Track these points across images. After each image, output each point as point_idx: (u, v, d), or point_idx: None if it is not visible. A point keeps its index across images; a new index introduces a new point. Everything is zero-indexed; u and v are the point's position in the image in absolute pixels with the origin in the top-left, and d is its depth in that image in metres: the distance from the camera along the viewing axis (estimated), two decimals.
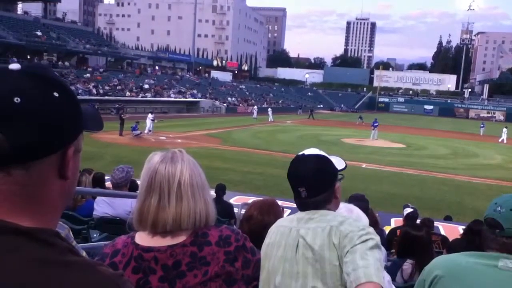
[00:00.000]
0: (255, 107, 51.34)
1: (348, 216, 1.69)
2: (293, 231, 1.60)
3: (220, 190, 7.78)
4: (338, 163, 1.73)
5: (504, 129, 36.01)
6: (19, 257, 0.69)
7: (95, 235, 4.43)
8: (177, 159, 1.43)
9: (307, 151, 1.73)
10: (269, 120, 43.69)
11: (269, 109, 47.76)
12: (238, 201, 9.58)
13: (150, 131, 25.94)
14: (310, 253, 1.51)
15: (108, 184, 7.67)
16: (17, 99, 0.69)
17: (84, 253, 1.41)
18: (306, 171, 1.63)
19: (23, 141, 0.70)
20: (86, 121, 0.83)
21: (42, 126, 0.71)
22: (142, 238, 1.41)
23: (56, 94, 0.74)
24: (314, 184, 1.62)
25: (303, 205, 1.65)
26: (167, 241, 1.37)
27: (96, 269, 0.76)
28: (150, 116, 26.50)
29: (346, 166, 1.77)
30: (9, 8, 52.76)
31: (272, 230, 1.72)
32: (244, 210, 2.74)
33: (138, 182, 1.59)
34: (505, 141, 34.82)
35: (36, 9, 58.83)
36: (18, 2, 55.99)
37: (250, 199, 7.67)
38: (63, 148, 0.76)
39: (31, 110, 0.70)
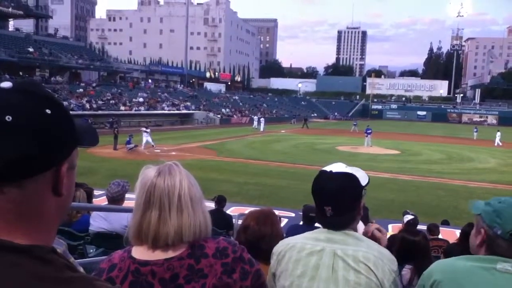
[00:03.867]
0: (255, 117, 51.66)
1: (378, 247, 1.67)
2: (327, 250, 1.58)
3: (221, 201, 7.76)
4: (362, 178, 1.69)
5: (498, 133, 36.31)
6: (15, 275, 0.68)
7: (91, 251, 4.39)
8: (175, 172, 1.42)
9: (334, 167, 1.68)
10: (261, 130, 43.77)
11: (262, 119, 47.91)
12: (234, 211, 9.54)
13: (153, 145, 25.69)
14: (353, 276, 1.52)
15: (97, 200, 7.62)
16: (8, 118, 0.69)
17: (81, 269, 1.40)
18: (332, 190, 1.60)
19: (16, 159, 0.69)
20: (81, 136, 0.82)
21: (34, 144, 0.71)
22: (139, 252, 1.40)
23: (48, 111, 0.74)
24: (340, 204, 1.60)
25: (327, 224, 1.64)
26: (164, 254, 1.36)
27: (94, 285, 0.75)
28: (143, 130, 26.28)
29: (369, 181, 1.72)
30: (1, 25, 52.78)
31: (288, 248, 1.66)
32: (241, 221, 2.73)
33: (132, 196, 1.57)
34: (500, 144, 35.08)
35: (27, 26, 58.90)
36: (9, 19, 56.02)
37: (247, 210, 7.65)
38: (56, 165, 0.75)
39: (23, 128, 0.70)
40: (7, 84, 0.74)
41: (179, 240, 1.36)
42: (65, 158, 0.77)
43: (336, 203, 1.59)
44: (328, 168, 1.68)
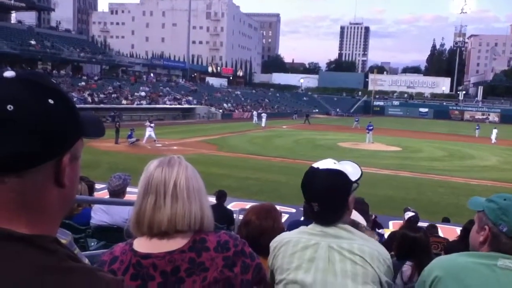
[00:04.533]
0: (255, 112, 51.68)
1: (370, 239, 1.72)
2: (321, 244, 1.62)
3: (221, 196, 7.76)
4: (354, 172, 1.71)
5: (494, 130, 36.59)
6: (19, 264, 0.68)
7: (92, 244, 4.41)
8: (174, 163, 1.45)
9: (322, 164, 1.71)
10: (262, 125, 43.78)
11: (263, 114, 47.90)
12: (235, 207, 9.55)
13: (155, 140, 25.67)
14: (350, 266, 1.57)
15: (99, 193, 7.62)
16: (10, 107, 0.69)
17: (86, 261, 1.41)
18: (318, 187, 1.65)
19: (17, 149, 0.69)
20: (86, 127, 0.82)
21: (36, 134, 0.70)
22: (140, 245, 1.41)
23: (51, 101, 0.73)
24: (326, 200, 1.64)
25: (316, 218, 1.69)
26: (165, 247, 1.37)
27: (97, 275, 0.75)
28: (148, 124, 26.26)
29: (362, 174, 1.74)
30: (3, 18, 52.74)
31: (283, 243, 1.71)
32: (242, 216, 2.73)
33: (133, 189, 1.60)
34: (494, 141, 35.28)
35: (30, 18, 58.98)
36: (11, 12, 55.98)
37: (248, 205, 7.65)
38: (58, 156, 0.74)
39: (24, 117, 0.69)
40: (10, 74, 0.73)
41: (172, 228, 1.37)
42: (68, 149, 0.76)
43: (322, 200, 1.64)
44: (316, 165, 1.71)
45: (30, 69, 43.82)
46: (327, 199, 1.64)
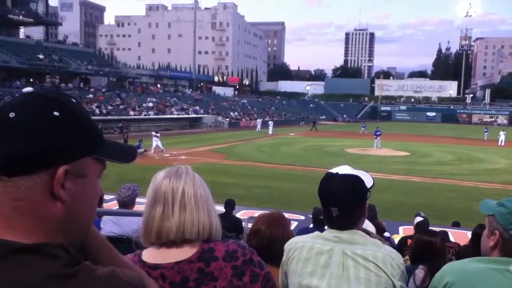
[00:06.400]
0: (259, 120, 51.86)
1: (383, 244, 1.73)
2: (336, 250, 1.64)
3: (229, 205, 7.75)
4: (367, 180, 1.74)
5: (501, 132, 36.82)
6: (22, 275, 0.68)
7: None
8: (181, 172, 1.46)
9: (340, 170, 1.73)
10: (270, 133, 43.82)
11: (270, 122, 48.02)
12: (244, 215, 9.52)
13: (163, 150, 25.83)
14: (363, 273, 1.58)
15: (108, 204, 7.65)
16: (12, 114, 0.73)
17: None
18: (339, 192, 1.66)
19: (7, 152, 0.71)
20: (106, 149, 0.84)
21: (29, 141, 0.72)
22: (149, 256, 1.41)
23: (56, 113, 0.75)
24: (347, 205, 1.65)
25: (333, 224, 1.69)
26: (174, 258, 1.37)
27: (95, 272, 0.75)
28: (154, 134, 26.46)
29: (373, 184, 1.78)
30: (12, 33, 53.47)
31: (297, 247, 1.73)
32: (251, 224, 2.73)
33: (142, 200, 1.62)
34: (503, 143, 35.28)
35: (38, 33, 59.67)
36: (20, 27, 56.73)
37: (256, 213, 7.63)
38: (50, 166, 0.74)
39: (22, 124, 0.73)
40: (28, 89, 0.79)
41: (181, 237, 1.38)
42: (64, 162, 0.76)
43: (342, 204, 1.64)
44: (334, 170, 1.74)
45: (39, 82, 44.35)
46: (347, 203, 1.65)
